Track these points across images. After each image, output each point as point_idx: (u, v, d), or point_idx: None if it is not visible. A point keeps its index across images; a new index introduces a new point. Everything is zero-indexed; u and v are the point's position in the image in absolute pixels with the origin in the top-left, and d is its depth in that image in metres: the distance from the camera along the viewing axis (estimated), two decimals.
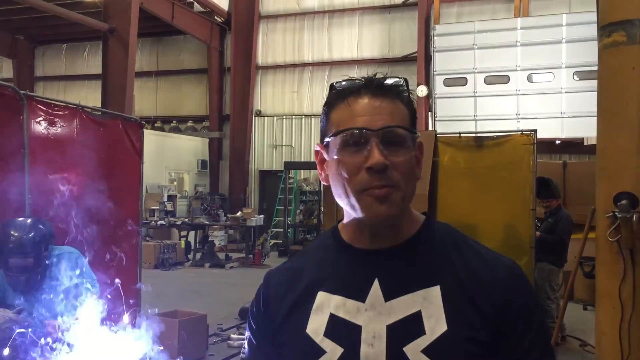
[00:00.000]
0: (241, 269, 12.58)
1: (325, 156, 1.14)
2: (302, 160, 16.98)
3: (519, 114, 12.61)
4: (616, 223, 3.43)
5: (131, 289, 5.55)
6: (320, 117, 1.17)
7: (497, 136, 6.48)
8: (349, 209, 1.12)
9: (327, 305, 1.13)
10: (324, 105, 1.16)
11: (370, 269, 1.13)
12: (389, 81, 1.13)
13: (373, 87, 1.11)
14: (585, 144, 12.37)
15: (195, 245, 13.79)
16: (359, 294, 1.11)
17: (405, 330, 1.07)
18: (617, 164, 3.52)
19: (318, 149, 1.17)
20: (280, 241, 15.39)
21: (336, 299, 1.13)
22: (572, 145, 13.19)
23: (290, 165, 16.10)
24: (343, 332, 1.10)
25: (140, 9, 13.50)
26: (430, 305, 1.08)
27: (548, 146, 12.62)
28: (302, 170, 16.74)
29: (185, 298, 9.04)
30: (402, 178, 1.08)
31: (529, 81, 12.69)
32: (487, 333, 1.06)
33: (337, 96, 1.13)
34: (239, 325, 7.30)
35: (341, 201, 1.12)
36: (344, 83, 1.15)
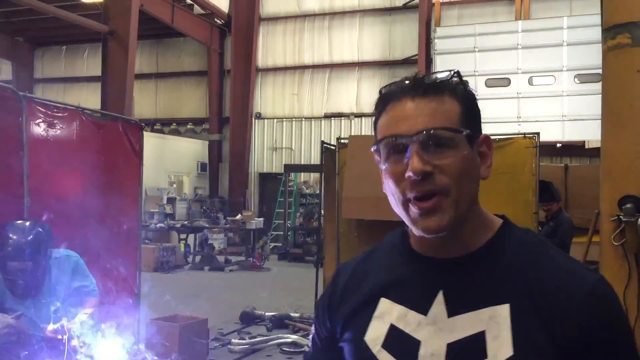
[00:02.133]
0: (241, 272, 12.54)
1: (379, 165, 1.08)
2: (302, 162, 16.97)
3: (520, 117, 12.60)
4: (621, 227, 3.40)
5: (130, 292, 5.52)
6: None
7: (499, 139, 6.44)
8: (403, 219, 1.05)
9: (388, 314, 1.08)
10: (373, 113, 1.11)
11: (434, 280, 1.06)
12: (433, 77, 1.05)
13: (412, 88, 1.03)
14: (586, 147, 12.36)
15: (194, 248, 13.75)
16: (422, 306, 1.05)
17: (467, 351, 0.99)
18: (622, 166, 3.48)
19: (376, 157, 1.10)
20: (280, 244, 15.36)
21: (398, 308, 1.07)
22: (573, 149, 13.18)
23: (290, 168, 16.08)
24: (401, 345, 1.05)
25: (140, 11, 13.49)
26: (496, 326, 0.98)
27: (549, 149, 12.60)
28: (302, 173, 16.73)
29: (184, 302, 8.99)
30: (452, 181, 0.99)
31: (529, 84, 12.68)
32: None
33: (380, 103, 1.07)
34: (240, 329, 7.26)
35: (395, 210, 1.06)
36: (390, 87, 1.07)
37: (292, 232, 15.32)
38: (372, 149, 1.07)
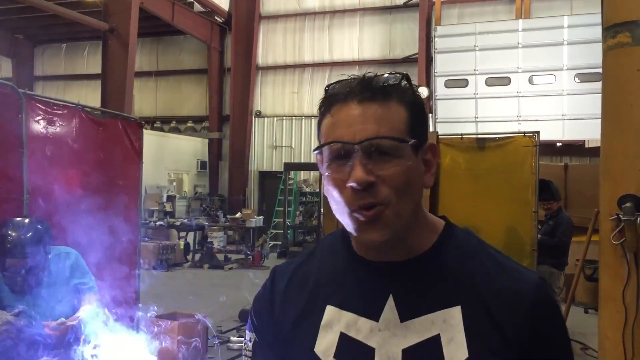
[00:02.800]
0: (240, 270, 12.54)
1: (320, 169, 1.03)
2: (302, 161, 16.96)
3: (520, 116, 12.59)
4: (620, 226, 3.41)
5: (130, 289, 5.52)
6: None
7: (499, 138, 6.45)
8: (346, 227, 1.01)
9: (337, 322, 1.04)
10: (318, 112, 1.05)
11: (383, 284, 1.03)
12: (381, 79, 1.00)
13: (359, 91, 0.99)
14: (586, 146, 12.36)
15: (194, 246, 13.76)
16: (372, 312, 1.02)
17: (423, 355, 0.98)
18: (622, 166, 3.48)
19: (317, 160, 1.05)
20: (280, 242, 15.35)
21: (347, 316, 1.04)
22: (573, 148, 13.18)
23: (290, 167, 16.07)
24: (355, 354, 1.01)
25: (140, 9, 13.48)
26: (450, 329, 0.98)
27: (549, 148, 12.60)
28: (302, 172, 16.72)
29: (184, 299, 9.00)
30: (394, 193, 0.96)
31: (530, 83, 12.67)
32: None
33: (325, 104, 1.02)
34: (239, 327, 7.27)
35: (337, 217, 1.02)
36: (335, 86, 1.03)
37: (291, 231, 15.32)
38: (314, 153, 1.03)
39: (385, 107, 0.97)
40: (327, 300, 1.07)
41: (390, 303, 1.02)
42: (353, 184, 0.94)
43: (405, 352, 0.99)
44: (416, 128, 1.00)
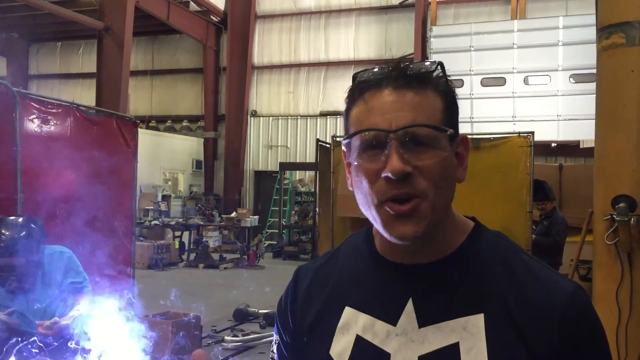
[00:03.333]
0: (235, 269, 12.54)
1: (348, 159, 0.97)
2: (298, 161, 16.97)
3: (515, 117, 12.61)
4: (614, 226, 3.43)
5: (124, 288, 5.50)
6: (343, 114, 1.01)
7: (494, 138, 6.46)
8: (372, 222, 0.96)
9: (354, 324, 1.00)
10: (345, 100, 1.00)
11: (404, 287, 0.98)
12: (417, 66, 0.95)
13: (394, 77, 0.93)
14: (581, 146, 12.39)
15: (189, 245, 13.74)
16: (390, 315, 0.97)
17: None
18: (615, 166, 3.50)
19: (344, 149, 0.99)
20: (275, 242, 15.35)
21: (364, 318, 1.00)
22: (568, 148, 13.21)
23: (285, 166, 16.08)
24: (370, 358, 0.98)
25: (136, 8, 13.46)
26: (470, 337, 0.92)
27: (544, 149, 12.64)
28: (297, 171, 16.73)
29: (178, 299, 8.99)
30: (431, 185, 0.90)
31: (525, 83, 12.69)
32: None
33: (356, 91, 0.97)
34: (233, 327, 7.26)
35: (364, 211, 0.97)
36: (365, 74, 0.97)
37: (287, 230, 15.33)
38: (343, 142, 0.98)
39: (422, 95, 0.93)
40: (345, 301, 1.03)
41: (409, 307, 0.97)
42: (389, 174, 0.89)
43: (421, 359, 0.94)
44: (451, 118, 0.96)
